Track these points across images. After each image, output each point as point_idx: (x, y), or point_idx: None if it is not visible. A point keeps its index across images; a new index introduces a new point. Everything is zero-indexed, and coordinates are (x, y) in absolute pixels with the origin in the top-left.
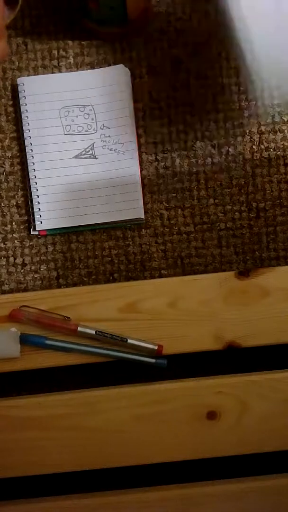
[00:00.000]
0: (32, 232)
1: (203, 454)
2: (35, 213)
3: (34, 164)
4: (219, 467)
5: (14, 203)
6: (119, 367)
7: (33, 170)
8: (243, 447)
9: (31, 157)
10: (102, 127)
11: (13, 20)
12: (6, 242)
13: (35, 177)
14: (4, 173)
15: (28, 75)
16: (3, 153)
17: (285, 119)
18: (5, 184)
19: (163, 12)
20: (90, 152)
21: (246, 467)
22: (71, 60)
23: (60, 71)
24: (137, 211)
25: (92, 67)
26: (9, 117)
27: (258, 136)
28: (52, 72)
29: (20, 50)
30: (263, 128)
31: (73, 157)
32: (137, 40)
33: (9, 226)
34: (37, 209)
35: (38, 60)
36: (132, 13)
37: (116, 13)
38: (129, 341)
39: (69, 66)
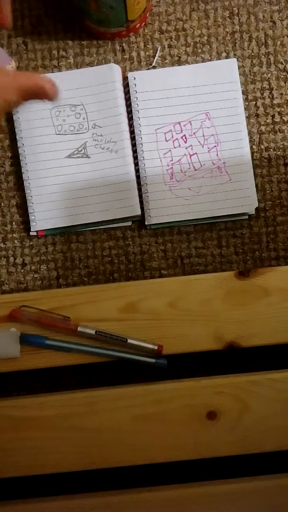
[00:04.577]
0: (30, 233)
1: (203, 454)
2: (30, 214)
3: (26, 165)
4: (219, 467)
5: (14, 203)
6: (119, 367)
7: (26, 171)
8: (243, 447)
9: (24, 158)
10: (93, 126)
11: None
12: (6, 242)
13: (28, 178)
14: (4, 173)
15: None
16: (3, 153)
17: (285, 119)
18: (5, 184)
19: (163, 12)
20: (83, 151)
21: (246, 467)
22: (71, 60)
23: (60, 71)
24: (133, 209)
25: (93, 67)
26: (9, 118)
27: (258, 136)
28: (52, 72)
29: (20, 50)
30: (263, 128)
31: (65, 157)
32: (137, 40)
33: (9, 226)
34: (32, 210)
35: (38, 60)
36: (132, 13)
37: (116, 13)
38: (129, 341)
39: (69, 66)
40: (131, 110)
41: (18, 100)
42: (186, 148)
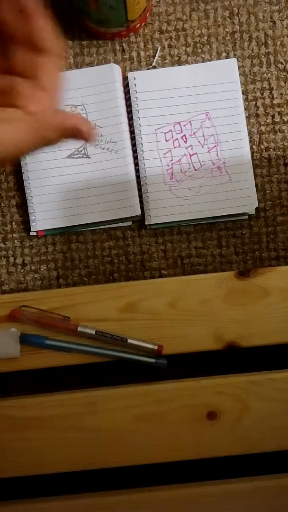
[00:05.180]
0: (30, 233)
1: (203, 454)
2: (30, 214)
3: (27, 165)
4: (219, 467)
5: (14, 203)
6: (119, 367)
7: (26, 171)
8: (243, 447)
9: (24, 158)
10: (94, 126)
11: None
12: (6, 242)
13: (28, 178)
14: (4, 173)
15: None
16: None
17: (285, 119)
18: (5, 184)
19: (163, 12)
20: (83, 151)
21: (246, 467)
22: (71, 60)
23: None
24: (133, 209)
25: (93, 67)
26: None
27: (258, 136)
28: None
29: None
30: (263, 128)
31: (65, 157)
32: (137, 40)
33: (9, 226)
34: (32, 210)
35: None
36: (132, 13)
37: (116, 13)
38: (129, 341)
39: (69, 66)
40: (131, 110)
41: (55, 139)
42: (186, 148)
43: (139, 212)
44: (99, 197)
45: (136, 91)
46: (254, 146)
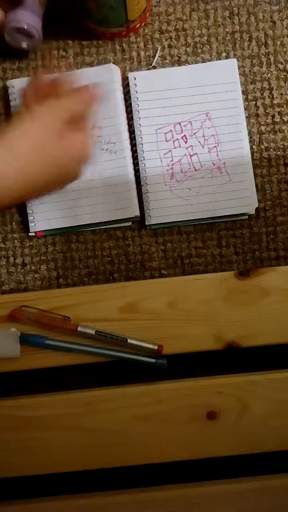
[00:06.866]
0: (29, 234)
1: (203, 454)
2: (28, 215)
3: None
4: (219, 467)
5: None
6: (119, 367)
7: None
8: (243, 447)
9: None
10: (92, 127)
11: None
12: (6, 242)
13: None
14: None
15: (28, 75)
16: None
17: (285, 119)
18: None
19: (163, 12)
20: None
21: (246, 467)
22: (71, 60)
23: (60, 71)
24: (132, 210)
25: (92, 67)
26: (8, 117)
27: (258, 136)
28: (53, 72)
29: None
30: (263, 128)
31: None
32: (137, 40)
33: (9, 226)
34: (31, 211)
35: (38, 60)
36: (132, 13)
37: (116, 13)
38: (129, 341)
39: (69, 66)
40: (131, 110)
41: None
42: (186, 149)
43: (137, 213)
44: (98, 198)
45: (136, 91)
46: (254, 146)
